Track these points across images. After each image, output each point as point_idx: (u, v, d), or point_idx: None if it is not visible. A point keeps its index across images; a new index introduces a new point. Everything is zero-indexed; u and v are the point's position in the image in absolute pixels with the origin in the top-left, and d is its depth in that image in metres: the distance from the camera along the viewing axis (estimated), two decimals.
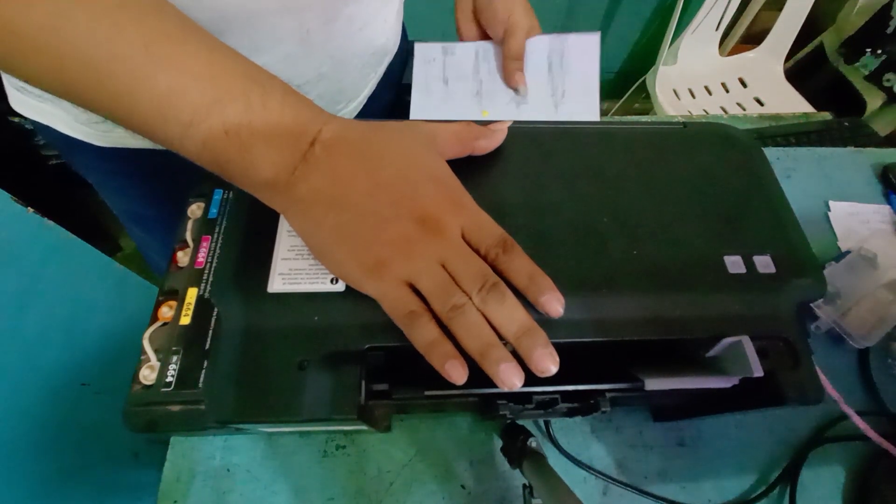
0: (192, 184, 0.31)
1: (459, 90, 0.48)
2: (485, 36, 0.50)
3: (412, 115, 0.46)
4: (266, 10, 0.33)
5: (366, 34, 0.42)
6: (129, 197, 0.49)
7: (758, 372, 0.24)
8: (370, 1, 0.40)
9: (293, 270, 0.26)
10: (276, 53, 0.36)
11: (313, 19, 0.36)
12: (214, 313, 0.27)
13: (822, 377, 0.27)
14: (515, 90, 0.47)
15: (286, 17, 0.34)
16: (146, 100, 0.23)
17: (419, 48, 0.49)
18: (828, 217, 0.50)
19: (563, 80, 0.47)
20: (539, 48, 0.48)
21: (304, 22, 0.36)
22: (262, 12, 0.33)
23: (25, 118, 0.41)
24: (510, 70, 0.46)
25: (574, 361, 0.24)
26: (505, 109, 0.47)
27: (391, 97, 0.54)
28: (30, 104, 0.40)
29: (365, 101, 0.48)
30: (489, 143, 0.30)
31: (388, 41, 0.47)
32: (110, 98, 0.23)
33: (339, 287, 0.26)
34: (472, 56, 0.49)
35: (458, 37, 0.51)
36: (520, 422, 0.33)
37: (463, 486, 0.34)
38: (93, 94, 0.23)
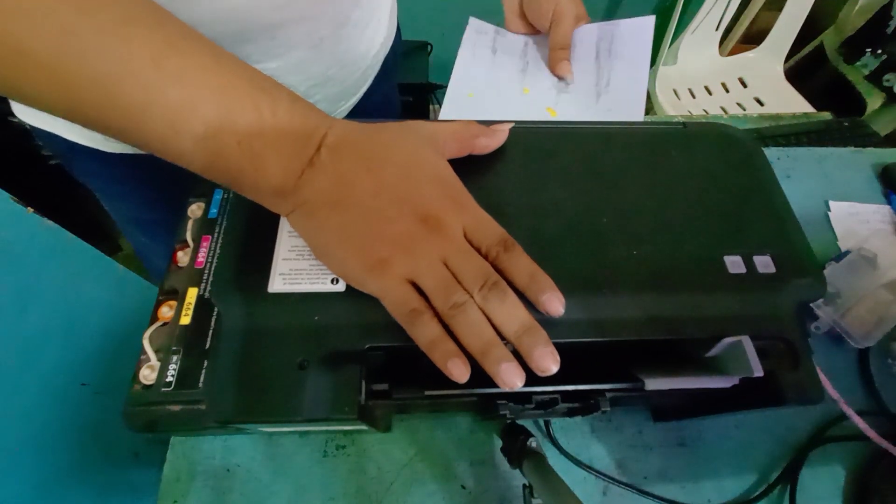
0: (194, 188, 0.31)
1: (505, 63, 0.48)
2: (533, 32, 0.50)
3: (453, 77, 0.46)
4: (284, 21, 0.34)
5: (367, 35, 0.43)
6: (133, 202, 0.49)
7: (758, 372, 0.24)
8: (369, 3, 0.41)
9: (294, 270, 0.26)
10: (289, 59, 0.36)
11: (326, 26, 0.37)
12: (214, 313, 0.27)
13: (822, 377, 0.27)
14: (561, 79, 0.46)
15: (301, 25, 0.35)
16: (158, 115, 0.22)
17: (474, 21, 0.49)
18: (828, 217, 0.50)
19: (609, 68, 0.46)
20: (588, 36, 0.47)
21: (318, 29, 0.36)
22: (280, 22, 0.33)
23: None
24: (556, 59, 0.46)
25: (574, 361, 0.24)
26: (546, 93, 0.46)
27: (388, 88, 0.54)
28: (33, 111, 0.40)
29: (362, 95, 0.48)
30: (490, 142, 0.30)
31: (385, 38, 0.47)
32: (120, 115, 0.22)
33: (340, 287, 0.26)
34: (522, 43, 0.49)
35: None
36: (520, 422, 0.33)
37: (463, 486, 0.34)
38: (102, 111, 0.22)
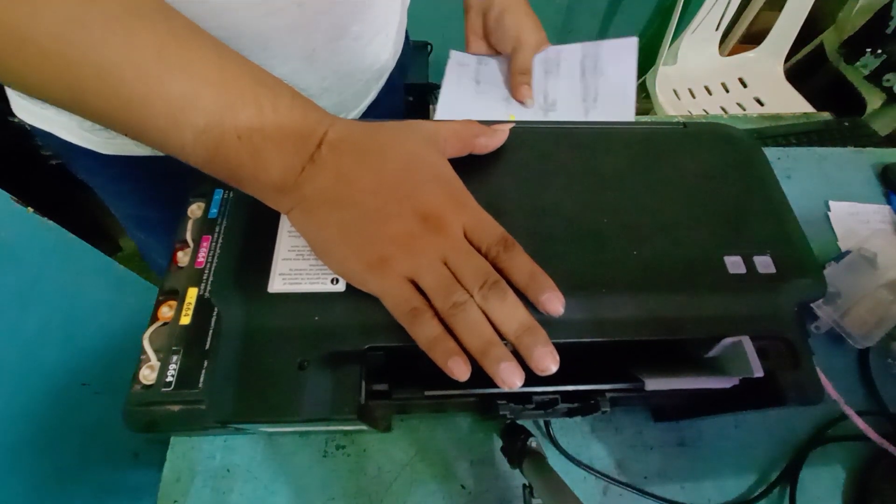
0: (193, 187, 0.31)
1: (490, 92, 0.48)
2: (494, 53, 0.51)
3: (439, 110, 0.47)
4: (275, 30, 0.33)
5: (371, 50, 0.42)
6: (131, 201, 0.49)
7: (758, 372, 0.24)
8: (374, 18, 0.40)
9: (294, 270, 0.26)
10: (282, 70, 0.36)
11: (320, 38, 0.36)
12: (214, 313, 0.27)
13: (822, 377, 0.27)
14: (522, 103, 0.47)
15: (294, 36, 0.34)
16: (159, 107, 0.22)
17: (455, 54, 0.50)
18: (828, 217, 0.50)
19: (596, 84, 0.47)
20: (572, 55, 0.48)
21: (311, 40, 0.36)
22: (270, 32, 0.33)
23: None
24: (517, 83, 0.47)
25: (574, 361, 0.24)
26: (533, 117, 0.47)
27: (393, 102, 0.54)
28: (31, 110, 0.39)
29: (365, 108, 0.48)
30: (490, 141, 0.30)
31: (391, 54, 0.46)
32: (121, 106, 0.22)
33: (340, 287, 0.26)
34: (506, 71, 0.50)
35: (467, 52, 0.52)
36: (520, 422, 0.33)
37: (463, 486, 0.34)
38: (103, 102, 0.22)
